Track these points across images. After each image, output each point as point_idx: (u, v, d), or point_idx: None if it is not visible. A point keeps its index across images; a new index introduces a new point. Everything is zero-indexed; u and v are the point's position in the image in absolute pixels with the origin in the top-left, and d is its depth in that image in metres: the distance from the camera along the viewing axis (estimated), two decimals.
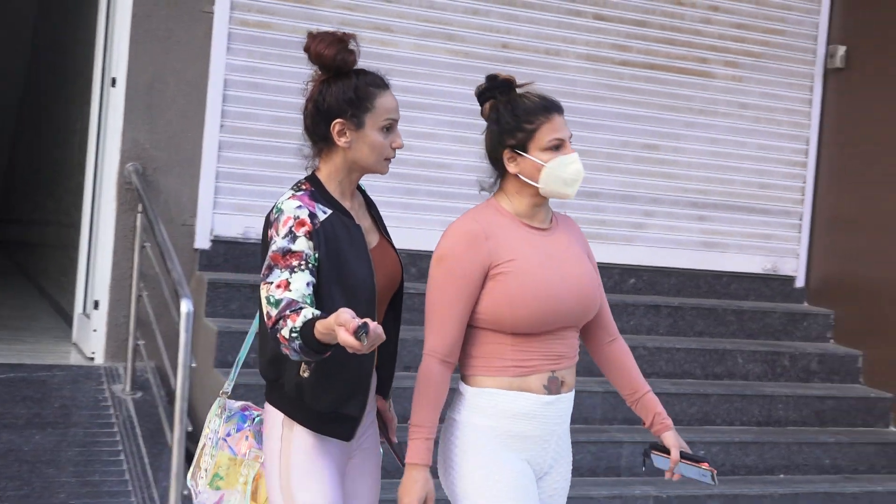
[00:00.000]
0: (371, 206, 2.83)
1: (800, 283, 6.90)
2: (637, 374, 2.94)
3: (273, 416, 2.64)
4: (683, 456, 2.84)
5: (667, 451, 2.86)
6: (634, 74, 6.44)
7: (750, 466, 5.53)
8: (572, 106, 6.13)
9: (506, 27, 6.17)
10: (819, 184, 6.88)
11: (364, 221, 2.73)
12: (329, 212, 2.58)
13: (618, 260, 6.43)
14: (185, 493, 4.42)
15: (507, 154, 2.72)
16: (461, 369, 2.76)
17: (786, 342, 6.46)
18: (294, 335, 2.29)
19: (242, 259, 5.58)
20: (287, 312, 2.34)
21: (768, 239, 6.85)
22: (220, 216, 5.54)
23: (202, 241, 5.51)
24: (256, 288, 5.28)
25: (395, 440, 2.94)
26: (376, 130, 2.62)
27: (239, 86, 5.58)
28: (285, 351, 2.35)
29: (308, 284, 2.45)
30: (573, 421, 5.36)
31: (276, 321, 2.36)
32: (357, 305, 2.43)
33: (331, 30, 2.64)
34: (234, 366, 2.95)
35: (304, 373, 2.56)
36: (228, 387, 2.93)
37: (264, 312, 2.44)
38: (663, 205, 6.59)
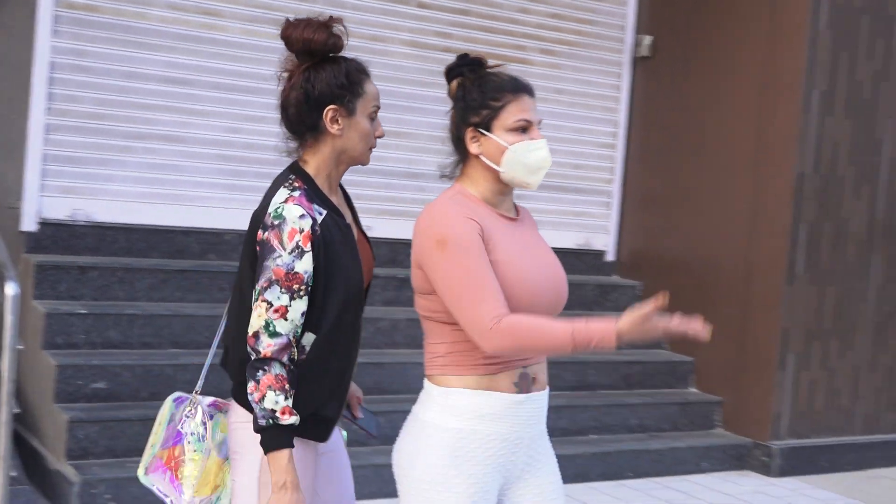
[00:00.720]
0: (348, 198, 2.70)
1: (610, 257, 7.23)
2: None
3: (247, 423, 2.42)
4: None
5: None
6: None
7: (564, 429, 5.77)
8: (397, 91, 6.34)
9: (332, 13, 6.22)
10: (628, 164, 7.21)
11: (347, 216, 2.59)
12: (324, 213, 2.45)
13: None
14: (14, 474, 4.41)
15: (470, 133, 2.47)
16: (427, 368, 2.50)
17: (597, 312, 6.72)
18: (273, 411, 2.32)
19: (71, 241, 5.49)
20: (279, 371, 2.34)
21: (581, 216, 7.15)
22: (47, 199, 5.44)
23: (29, 224, 5.40)
24: (86, 269, 5.23)
25: (359, 415, 2.85)
26: (365, 117, 2.52)
27: (65, 69, 5.46)
28: (252, 392, 2.33)
29: (301, 314, 2.38)
30: (398, 390, 5.55)
31: (270, 358, 2.34)
32: (349, 309, 2.48)
33: (308, 15, 2.56)
34: (206, 364, 2.75)
35: None
36: (199, 385, 2.68)
37: (256, 330, 2.36)
38: None
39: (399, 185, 6.50)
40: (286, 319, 2.36)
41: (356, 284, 2.53)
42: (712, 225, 6.60)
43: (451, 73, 2.57)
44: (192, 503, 2.55)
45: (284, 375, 2.36)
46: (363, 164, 2.61)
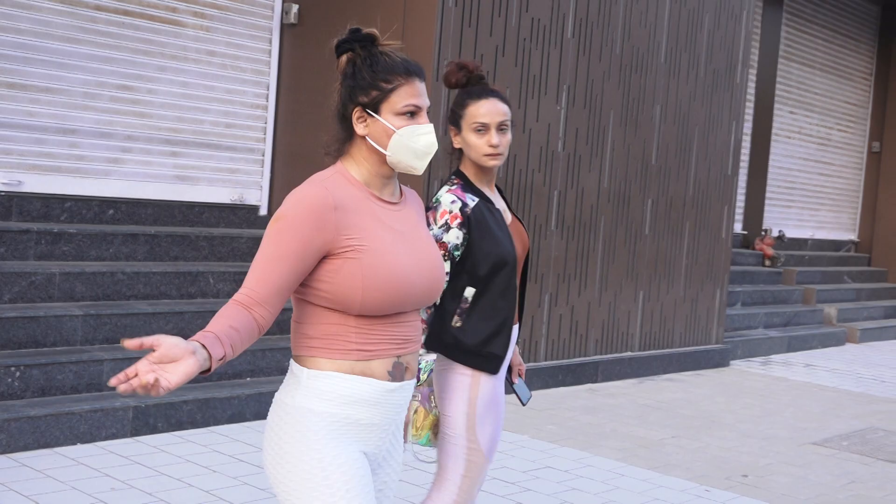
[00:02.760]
0: (502, 194, 3.25)
1: (263, 211, 7.29)
2: None
3: (455, 368, 3.05)
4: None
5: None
6: (109, 19, 6.35)
7: (220, 373, 5.80)
8: (47, 46, 6.04)
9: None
10: (278, 124, 7.30)
11: (500, 205, 3.15)
12: (476, 199, 3.01)
13: (96, 193, 6.40)
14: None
15: (357, 112, 2.30)
16: (296, 349, 2.31)
17: (251, 262, 6.83)
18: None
19: None
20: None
21: (235, 173, 7.15)
22: None
23: None
24: None
25: (516, 381, 3.42)
26: (470, 133, 3.04)
27: None
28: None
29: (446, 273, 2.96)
30: (54, 343, 5.37)
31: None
32: (503, 271, 3.00)
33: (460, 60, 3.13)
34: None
35: (457, 323, 3.01)
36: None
37: None
38: (138, 141, 6.61)
39: (51, 141, 6.19)
40: (456, 275, 2.99)
41: (506, 253, 3.01)
42: None
43: (340, 46, 2.36)
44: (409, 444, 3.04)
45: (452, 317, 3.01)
46: (487, 167, 3.06)
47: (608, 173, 7.94)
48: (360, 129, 2.30)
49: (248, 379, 5.98)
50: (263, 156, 7.28)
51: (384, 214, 2.31)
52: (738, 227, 12.24)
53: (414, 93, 2.29)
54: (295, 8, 7.14)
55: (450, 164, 2.47)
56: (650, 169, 8.35)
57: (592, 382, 7.79)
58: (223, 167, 7.06)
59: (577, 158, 7.66)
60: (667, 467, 5.49)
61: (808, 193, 13.91)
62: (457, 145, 3.08)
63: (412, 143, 2.28)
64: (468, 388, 3.03)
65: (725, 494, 5.09)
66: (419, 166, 2.32)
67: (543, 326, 7.51)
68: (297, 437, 2.23)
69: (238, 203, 7.15)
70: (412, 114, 2.29)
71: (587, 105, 7.69)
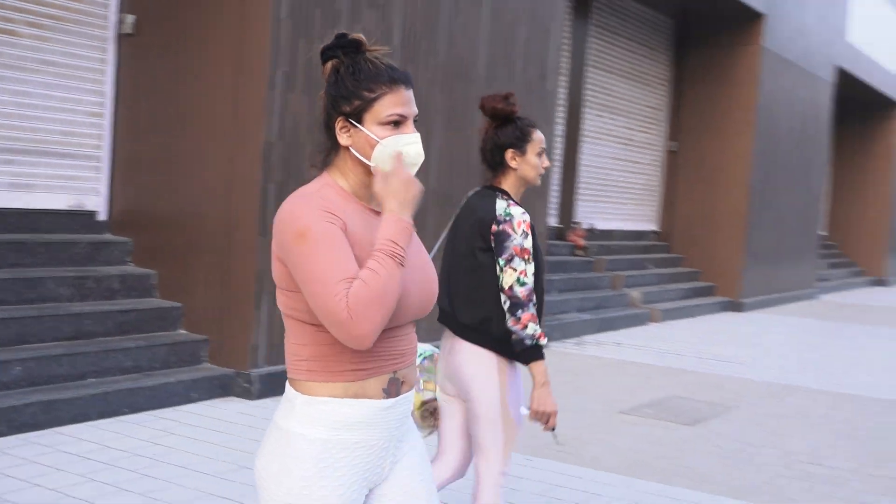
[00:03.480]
0: None
1: (102, 216, 7.16)
2: None
3: (485, 356, 3.30)
4: None
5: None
6: None
7: (64, 375, 5.75)
8: None
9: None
10: (117, 132, 7.18)
11: None
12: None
13: None
14: None
15: (340, 123, 2.14)
16: (290, 371, 2.15)
17: (91, 267, 6.72)
18: (531, 334, 3.21)
19: None
20: (533, 310, 3.24)
21: (72, 179, 6.99)
22: None
23: None
24: None
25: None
26: (534, 156, 3.41)
27: None
28: (514, 326, 3.22)
29: (532, 273, 3.27)
30: None
31: (527, 302, 3.23)
32: (541, 270, 3.36)
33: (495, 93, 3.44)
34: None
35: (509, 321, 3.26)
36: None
37: (511, 284, 3.23)
38: None
39: None
40: (527, 276, 3.24)
41: (543, 257, 3.41)
42: (196, 186, 6.83)
43: (325, 53, 2.20)
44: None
45: (534, 313, 3.24)
46: (536, 185, 3.53)
47: (435, 174, 8.21)
48: (343, 139, 2.14)
49: (92, 380, 5.92)
50: (101, 162, 7.16)
51: (375, 224, 2.13)
52: (552, 221, 12.77)
53: (398, 102, 2.11)
54: (131, 18, 7.06)
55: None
56: (472, 170, 8.68)
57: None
58: (60, 174, 6.91)
59: None
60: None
61: (615, 189, 14.64)
62: (514, 164, 3.41)
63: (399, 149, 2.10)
64: (498, 372, 3.32)
65: (545, 462, 5.43)
66: None
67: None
68: (287, 464, 2.09)
69: (76, 209, 7.01)
70: (396, 123, 2.11)
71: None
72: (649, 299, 13.13)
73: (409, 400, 2.21)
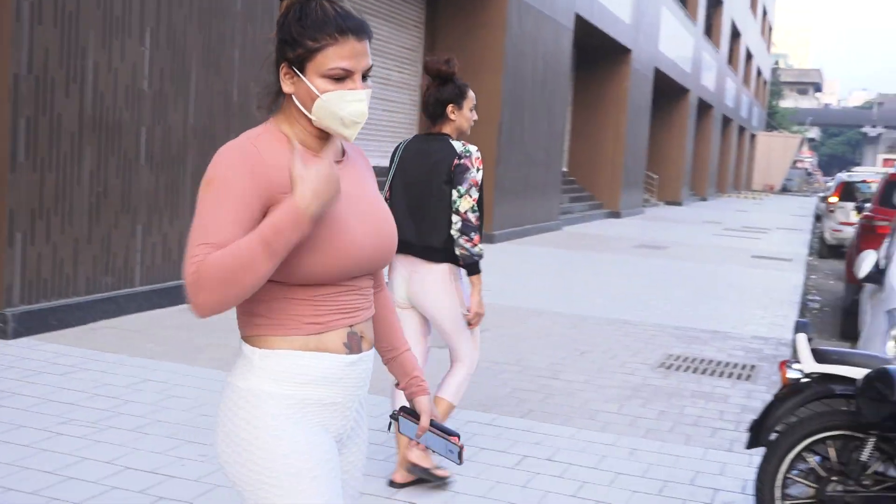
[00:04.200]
0: None
1: None
2: (399, 330, 2.33)
3: (447, 271, 4.11)
4: (433, 425, 2.24)
5: (417, 417, 2.26)
6: None
7: None
8: None
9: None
10: None
11: None
12: None
13: None
14: None
15: (283, 68, 1.96)
16: (243, 328, 2.00)
17: None
18: (479, 252, 4.02)
19: None
20: (479, 231, 4.04)
21: None
22: None
23: None
24: None
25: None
26: (469, 111, 4.14)
27: None
28: (466, 244, 3.99)
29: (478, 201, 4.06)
30: None
31: (477, 225, 4.02)
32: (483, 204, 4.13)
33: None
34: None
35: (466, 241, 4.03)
36: None
37: (466, 210, 4.00)
38: None
39: None
40: (477, 203, 4.03)
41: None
42: None
43: None
44: None
45: (479, 234, 4.04)
46: (467, 134, 4.19)
47: (193, 111, 8.10)
48: (286, 86, 1.97)
49: None
50: None
51: None
52: None
53: (344, 54, 1.91)
54: None
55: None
56: (232, 107, 8.62)
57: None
58: None
59: (164, 97, 7.73)
60: None
61: (374, 128, 14.89)
62: (453, 117, 4.11)
63: (338, 109, 1.93)
64: (454, 282, 4.13)
65: None
66: (348, 135, 1.96)
67: (138, 254, 7.58)
68: (253, 424, 1.93)
69: None
70: (340, 78, 1.92)
71: (170, 47, 7.77)
72: None
73: (370, 358, 2.08)
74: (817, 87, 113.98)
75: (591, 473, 4.55)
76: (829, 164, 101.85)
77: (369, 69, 1.98)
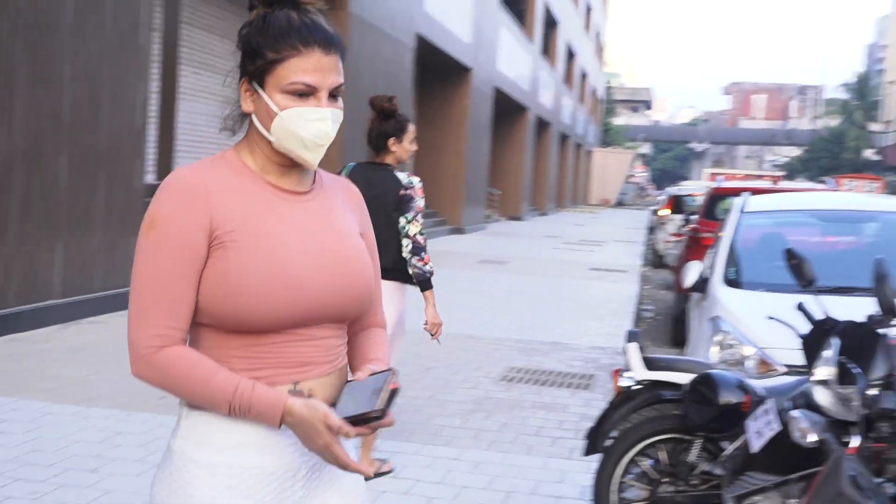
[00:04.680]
0: None
1: None
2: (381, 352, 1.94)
3: (396, 288, 4.56)
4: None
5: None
6: None
7: None
8: None
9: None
10: None
11: None
12: None
13: None
14: None
15: (244, 84, 1.76)
16: None
17: None
18: (430, 269, 4.51)
19: None
20: (427, 253, 4.52)
21: None
22: None
23: None
24: None
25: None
26: (410, 143, 4.60)
27: None
28: (419, 264, 4.46)
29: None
30: None
31: (425, 245, 4.47)
32: None
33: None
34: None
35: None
36: None
37: (415, 234, 4.45)
38: None
39: None
40: (423, 227, 4.49)
41: None
42: None
43: None
44: None
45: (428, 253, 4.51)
46: (405, 162, 4.61)
47: (21, 131, 7.71)
48: (246, 104, 1.76)
49: None
50: None
51: (281, 206, 1.74)
52: (150, 178, 12.50)
53: (308, 67, 1.70)
54: None
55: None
56: (62, 125, 8.27)
57: (15, 333, 7.60)
58: None
59: None
60: (92, 400, 5.70)
61: (214, 147, 14.60)
62: (394, 149, 4.55)
63: (298, 129, 1.70)
64: (402, 299, 4.62)
65: (145, 416, 5.46)
66: (309, 158, 1.74)
67: None
68: (177, 490, 1.69)
69: None
70: (302, 94, 1.70)
71: None
72: None
73: None
74: (648, 105, 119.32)
75: (437, 489, 4.59)
76: (662, 178, 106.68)
77: (340, 88, 1.74)
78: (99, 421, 5.31)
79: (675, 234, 18.31)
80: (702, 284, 5.69)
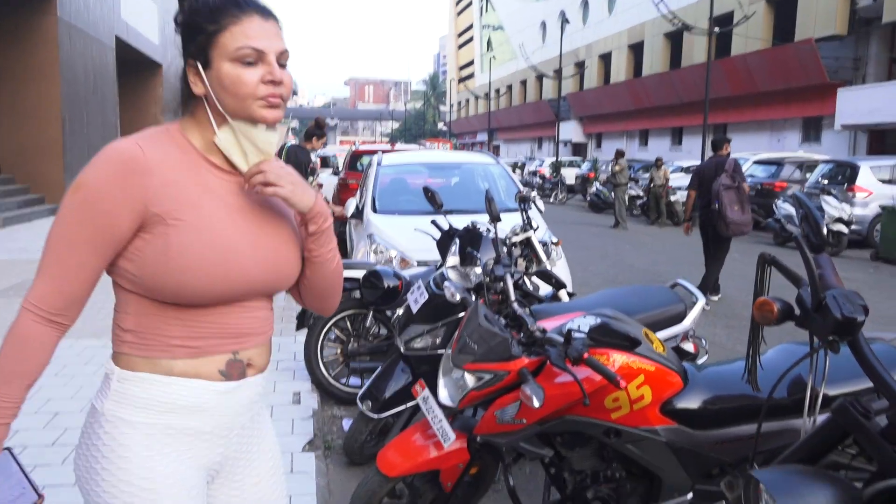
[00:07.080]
0: None
1: None
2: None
3: None
4: None
5: None
6: None
7: None
8: None
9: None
10: None
11: None
12: None
13: None
14: None
15: (189, 66, 1.28)
16: (113, 344, 1.32)
17: None
18: None
19: None
20: None
21: None
22: None
23: None
24: None
25: None
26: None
27: None
28: None
29: None
30: None
31: None
32: None
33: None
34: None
35: None
36: None
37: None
38: None
39: None
40: None
41: None
42: None
43: None
44: None
45: None
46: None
47: None
48: (197, 87, 1.29)
49: None
50: None
51: (219, 185, 1.31)
52: None
53: (251, 33, 1.24)
54: None
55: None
56: None
57: None
58: None
59: None
60: None
61: None
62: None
63: (250, 136, 1.28)
64: None
65: None
66: (244, 168, 1.31)
67: None
68: (108, 453, 1.28)
69: None
70: (253, 61, 1.25)
71: None
72: None
73: (256, 384, 1.39)
74: (295, 92, 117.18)
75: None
76: None
77: (285, 55, 1.28)
78: None
79: (318, 184, 18.50)
80: (358, 213, 5.98)
